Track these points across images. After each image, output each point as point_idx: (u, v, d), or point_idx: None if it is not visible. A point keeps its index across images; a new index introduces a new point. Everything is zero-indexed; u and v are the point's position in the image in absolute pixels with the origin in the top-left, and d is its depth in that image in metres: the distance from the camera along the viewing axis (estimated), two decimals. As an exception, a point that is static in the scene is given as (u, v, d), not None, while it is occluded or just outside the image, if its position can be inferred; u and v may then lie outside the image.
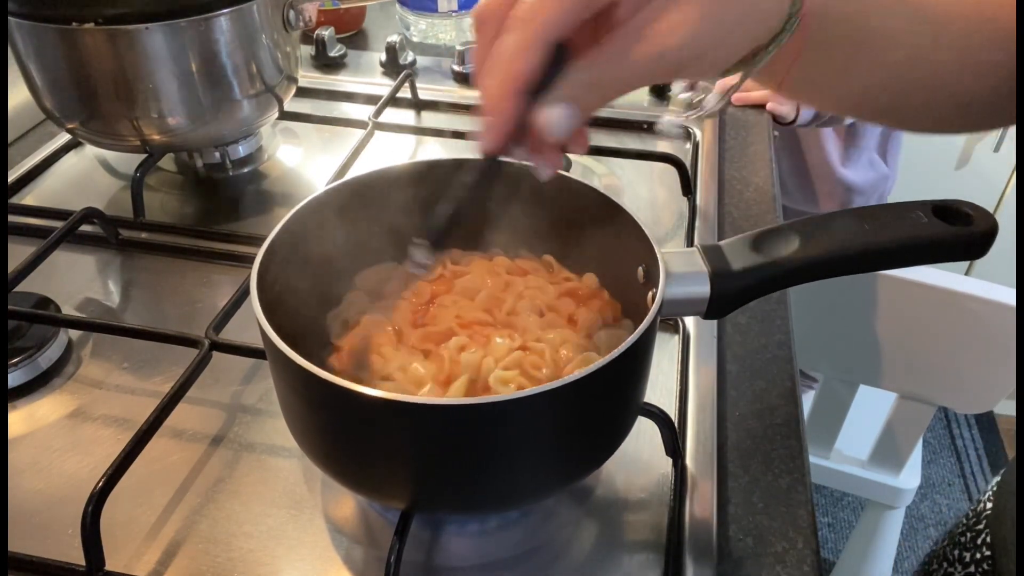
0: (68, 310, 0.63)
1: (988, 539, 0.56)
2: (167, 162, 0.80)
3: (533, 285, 0.52)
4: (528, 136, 0.36)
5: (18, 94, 0.78)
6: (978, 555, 0.56)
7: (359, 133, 0.80)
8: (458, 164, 0.53)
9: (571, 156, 0.80)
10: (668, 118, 0.45)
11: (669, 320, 0.61)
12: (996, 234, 0.45)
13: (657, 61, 0.34)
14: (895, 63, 0.44)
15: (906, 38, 0.43)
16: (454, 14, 1.05)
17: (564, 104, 0.35)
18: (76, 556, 0.44)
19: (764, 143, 0.84)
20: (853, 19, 0.42)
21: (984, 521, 0.57)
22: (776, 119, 0.46)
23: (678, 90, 0.45)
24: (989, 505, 0.58)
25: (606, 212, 0.49)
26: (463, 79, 0.95)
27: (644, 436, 0.52)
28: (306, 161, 0.83)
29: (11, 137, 0.85)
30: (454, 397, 0.44)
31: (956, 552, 0.60)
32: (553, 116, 0.35)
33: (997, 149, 1.79)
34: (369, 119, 0.82)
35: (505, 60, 0.34)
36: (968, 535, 0.59)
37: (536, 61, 0.34)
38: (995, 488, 0.58)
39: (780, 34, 0.39)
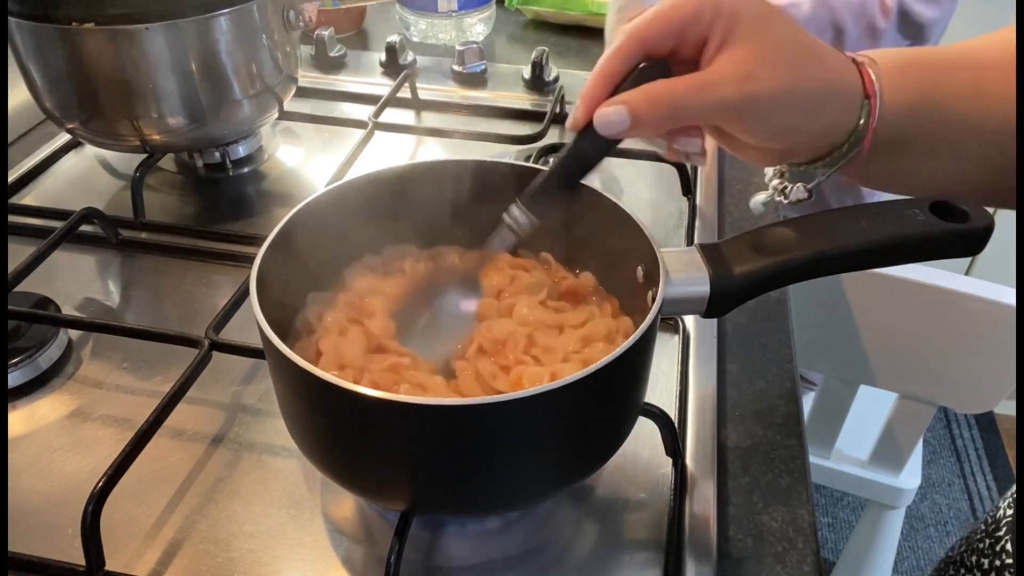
0: (68, 310, 0.62)
1: (1008, 546, 0.55)
2: (167, 162, 0.80)
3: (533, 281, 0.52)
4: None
5: (18, 94, 0.78)
6: (997, 562, 0.56)
7: (359, 133, 0.80)
8: (459, 165, 0.53)
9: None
10: (758, 198, 0.48)
11: (669, 320, 0.61)
12: (992, 230, 0.45)
13: (713, 97, 0.40)
14: (972, 159, 0.46)
15: (977, 137, 0.45)
16: (454, 14, 1.05)
17: (618, 108, 0.41)
18: (76, 556, 0.44)
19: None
20: (935, 120, 0.44)
21: (1004, 528, 0.57)
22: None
23: (770, 175, 0.48)
24: (1010, 512, 0.57)
25: (606, 212, 0.49)
26: (463, 79, 0.95)
27: (644, 436, 0.52)
28: (306, 161, 0.83)
29: (11, 137, 0.85)
30: (454, 397, 0.44)
31: (974, 559, 0.59)
32: (604, 113, 0.41)
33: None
34: (369, 119, 0.82)
35: (603, 60, 0.42)
36: (987, 541, 0.58)
37: (619, 64, 0.42)
38: (1016, 493, 0.58)
39: (853, 132, 0.43)
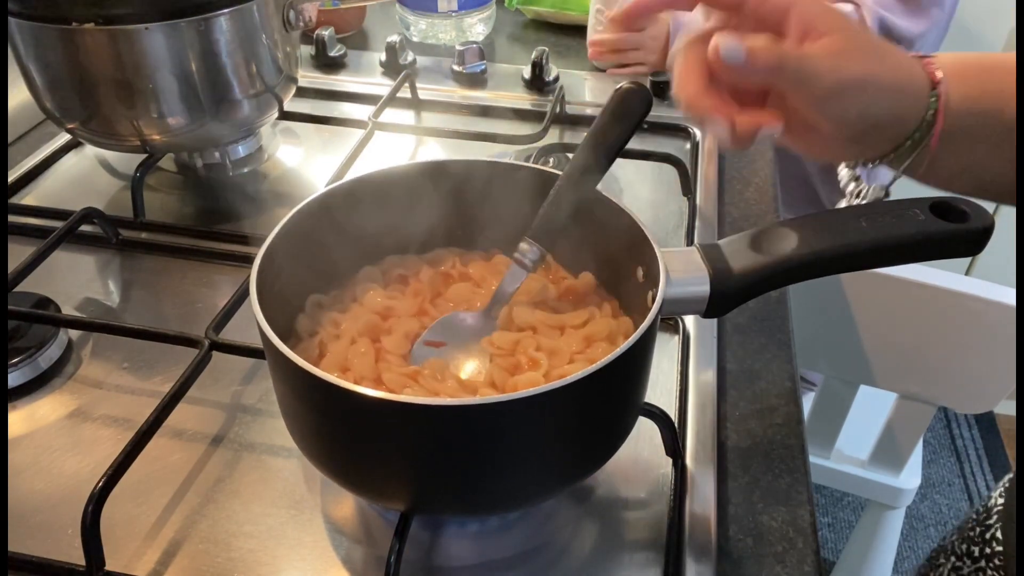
0: (68, 310, 0.62)
1: (998, 534, 0.56)
2: (167, 162, 0.80)
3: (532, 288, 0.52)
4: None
5: (18, 94, 0.78)
6: (988, 550, 0.56)
7: (359, 133, 0.80)
8: (459, 165, 0.53)
9: (570, 156, 0.80)
10: (839, 207, 0.49)
11: (669, 320, 0.61)
12: (992, 230, 0.45)
13: (814, 70, 0.41)
14: None
15: None
16: (454, 14, 1.05)
17: (739, 43, 0.41)
18: (76, 556, 0.44)
19: (764, 143, 0.84)
20: (994, 117, 0.45)
21: (995, 516, 0.57)
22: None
23: (845, 179, 0.50)
24: (1000, 501, 0.58)
25: (606, 212, 0.49)
26: (463, 79, 0.95)
27: (644, 436, 0.52)
28: (306, 161, 0.83)
29: (11, 137, 0.85)
30: (455, 398, 0.44)
31: (965, 547, 0.60)
32: (727, 44, 0.41)
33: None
34: (369, 119, 0.82)
35: None
36: (977, 530, 0.59)
37: None
38: (1008, 484, 0.58)
39: (921, 125, 0.44)
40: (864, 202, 0.48)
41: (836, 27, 0.42)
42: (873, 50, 0.43)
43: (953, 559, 0.61)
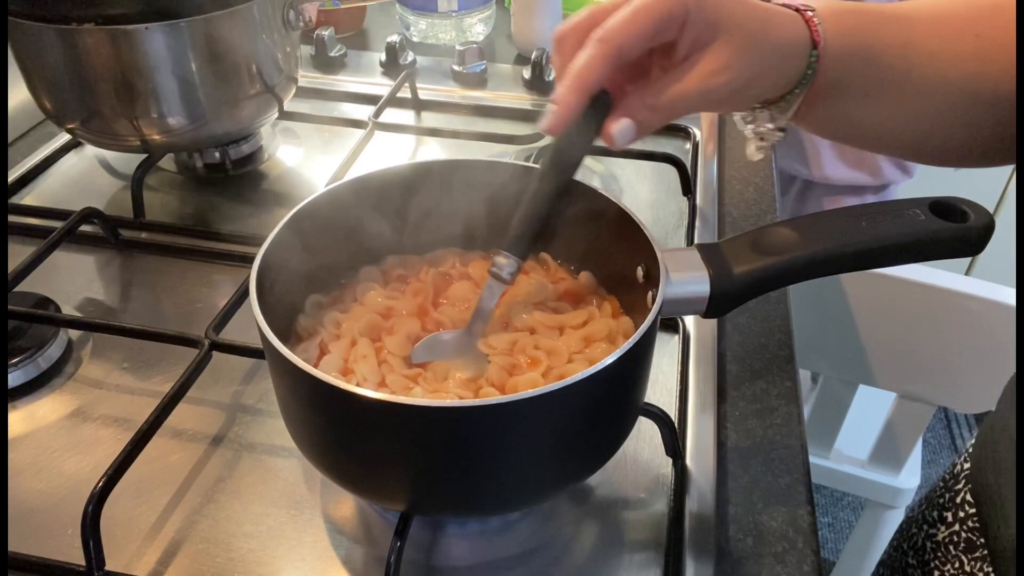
0: (68, 310, 0.62)
1: (969, 496, 0.56)
2: (167, 162, 0.80)
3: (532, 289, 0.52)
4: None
5: (18, 94, 0.78)
6: (961, 513, 0.57)
7: (359, 133, 0.80)
8: (459, 165, 0.53)
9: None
10: (749, 148, 0.51)
11: (669, 320, 0.61)
12: (993, 230, 0.45)
13: (703, 94, 0.43)
14: (909, 107, 0.49)
15: (908, 90, 0.48)
16: (454, 14, 1.05)
17: (628, 120, 0.43)
18: (76, 556, 0.44)
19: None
20: (867, 67, 0.47)
21: (963, 480, 0.58)
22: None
23: (740, 122, 0.53)
24: (967, 466, 0.58)
25: (606, 212, 0.49)
26: (463, 79, 0.95)
27: (644, 436, 0.52)
28: (306, 161, 0.83)
29: (11, 137, 0.85)
30: (455, 398, 0.44)
31: (936, 513, 0.60)
32: (619, 128, 0.43)
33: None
34: (369, 119, 0.82)
35: (579, 67, 0.42)
36: (947, 495, 0.59)
37: (598, 76, 0.42)
38: (969, 451, 0.59)
39: (802, 80, 0.46)
40: (766, 143, 0.50)
41: (722, 27, 0.43)
42: (755, 38, 0.44)
43: (926, 527, 0.61)
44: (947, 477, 0.62)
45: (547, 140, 0.80)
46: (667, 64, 0.45)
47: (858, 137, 0.53)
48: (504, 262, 0.46)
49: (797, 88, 0.47)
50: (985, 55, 0.47)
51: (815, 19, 0.46)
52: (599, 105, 0.43)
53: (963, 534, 0.56)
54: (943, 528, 0.59)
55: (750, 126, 0.51)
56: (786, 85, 0.47)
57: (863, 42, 0.47)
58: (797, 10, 0.46)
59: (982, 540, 0.54)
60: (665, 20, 0.42)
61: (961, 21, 0.48)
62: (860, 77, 0.48)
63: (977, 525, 0.55)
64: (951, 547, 0.57)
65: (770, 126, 0.49)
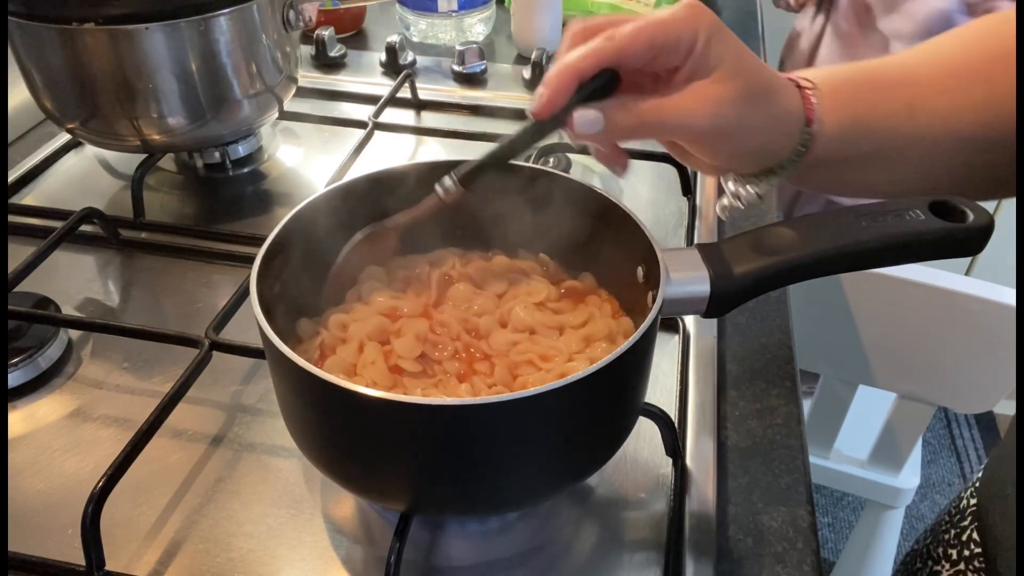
0: (68, 310, 0.62)
1: (976, 535, 0.56)
2: (167, 162, 0.80)
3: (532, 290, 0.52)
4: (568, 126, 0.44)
5: (18, 94, 0.78)
6: (966, 552, 0.56)
7: (359, 133, 0.80)
8: (458, 165, 0.53)
9: (571, 156, 0.80)
10: (723, 202, 0.51)
11: (669, 320, 0.61)
12: (992, 230, 0.45)
13: (683, 118, 0.43)
14: (916, 165, 0.49)
15: (914, 152, 0.48)
16: (454, 14, 1.05)
17: (596, 113, 0.43)
18: (76, 556, 0.44)
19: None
20: (869, 138, 0.47)
21: (969, 517, 0.57)
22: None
23: (725, 180, 0.52)
24: (972, 501, 0.58)
25: (606, 212, 0.49)
26: (463, 79, 0.95)
27: (644, 436, 0.52)
28: (306, 161, 0.83)
29: (11, 137, 0.85)
30: (455, 398, 0.44)
31: (941, 550, 0.60)
32: (583, 116, 0.43)
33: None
34: (369, 119, 0.82)
35: (573, 58, 0.42)
36: (952, 532, 0.59)
37: (592, 66, 0.42)
38: (977, 484, 0.58)
39: (792, 157, 0.46)
40: (741, 206, 0.50)
41: (725, 67, 0.42)
42: (755, 95, 0.44)
43: (930, 563, 0.61)
44: (953, 511, 0.61)
45: (547, 141, 0.80)
46: (664, 90, 0.44)
47: (857, 193, 0.53)
48: (449, 184, 0.47)
49: (786, 165, 0.47)
50: (998, 99, 0.46)
51: (812, 97, 0.45)
52: (589, 92, 0.43)
53: (969, 574, 0.56)
54: (947, 566, 0.58)
55: (731, 183, 0.50)
56: (770, 159, 0.46)
57: (864, 114, 0.47)
58: (797, 84, 0.46)
59: None
60: (672, 40, 0.42)
61: (970, 71, 0.47)
62: (860, 148, 0.47)
63: (983, 566, 0.55)
64: None
65: (751, 189, 0.48)
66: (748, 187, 0.48)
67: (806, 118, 0.45)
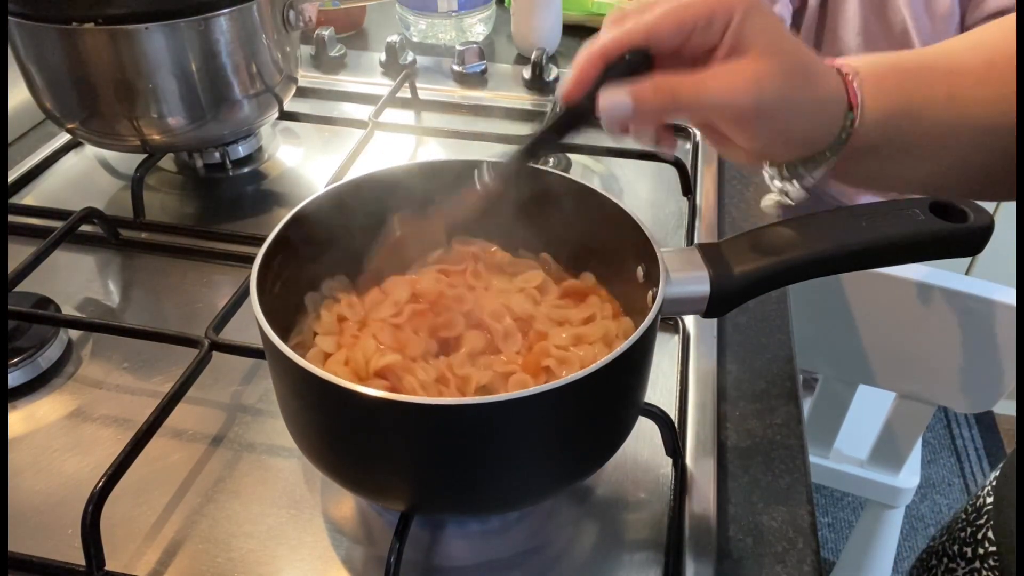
0: (68, 310, 0.62)
1: (991, 534, 0.56)
2: (167, 162, 0.80)
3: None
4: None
5: (18, 94, 0.78)
6: (981, 550, 0.56)
7: (359, 133, 0.80)
8: (458, 165, 0.53)
9: (571, 156, 0.80)
10: (768, 200, 0.50)
11: (669, 320, 0.61)
12: (992, 230, 0.45)
13: (722, 96, 0.41)
14: (954, 156, 0.47)
15: (952, 141, 0.47)
16: (454, 14, 1.05)
17: (624, 94, 0.41)
18: (76, 556, 0.44)
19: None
20: (910, 126, 0.45)
21: (985, 516, 0.57)
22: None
23: (769, 175, 0.50)
24: (989, 500, 0.58)
25: (606, 212, 0.49)
26: (463, 79, 0.95)
27: (644, 436, 0.52)
28: (306, 161, 0.83)
29: (11, 137, 0.85)
30: (455, 397, 0.44)
31: (956, 548, 0.60)
32: (609, 98, 0.41)
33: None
34: (369, 119, 0.82)
35: (602, 40, 0.42)
36: (968, 530, 0.59)
37: (619, 46, 0.41)
38: (994, 482, 0.58)
39: (836, 142, 0.45)
40: (791, 202, 0.48)
41: (761, 48, 0.41)
42: (795, 73, 0.42)
43: (946, 560, 0.61)
44: (969, 510, 0.60)
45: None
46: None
47: (898, 189, 0.51)
48: (486, 177, 0.47)
49: (828, 152, 0.45)
50: None
51: (855, 82, 0.44)
52: (618, 75, 0.42)
53: (984, 572, 0.56)
54: (963, 563, 0.58)
55: (776, 181, 0.49)
56: (811, 145, 0.45)
57: (906, 101, 0.45)
58: (839, 70, 0.45)
59: None
60: (706, 17, 0.40)
61: (1008, 62, 0.46)
62: (901, 136, 0.46)
63: (997, 564, 0.55)
64: None
65: (799, 184, 0.47)
66: (795, 182, 0.47)
67: (848, 103, 0.44)
